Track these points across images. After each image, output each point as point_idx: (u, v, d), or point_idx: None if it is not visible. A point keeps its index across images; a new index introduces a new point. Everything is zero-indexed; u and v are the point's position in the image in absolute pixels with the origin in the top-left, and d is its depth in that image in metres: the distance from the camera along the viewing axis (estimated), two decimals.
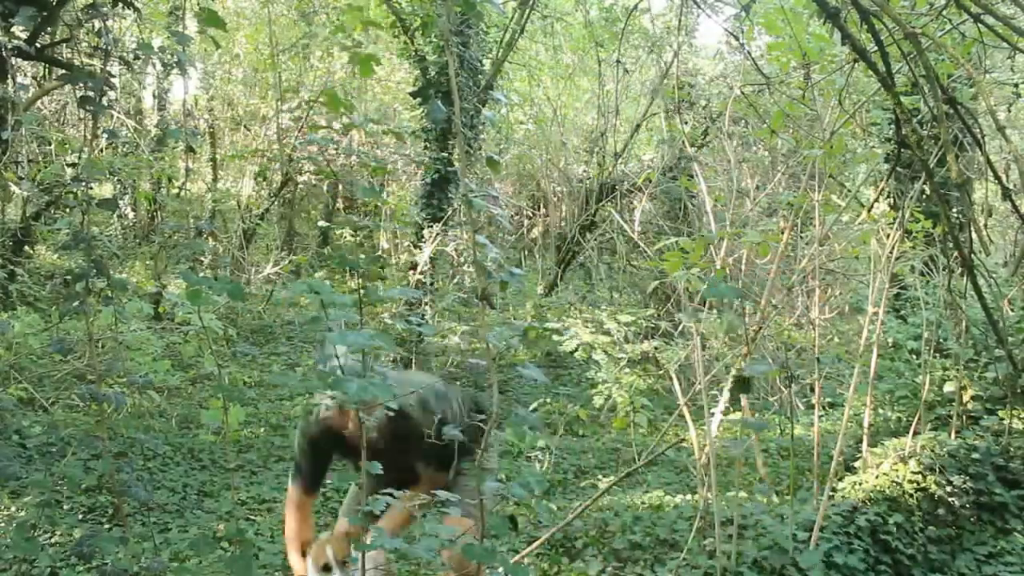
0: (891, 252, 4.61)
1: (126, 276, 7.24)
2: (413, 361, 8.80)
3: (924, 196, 6.39)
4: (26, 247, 9.30)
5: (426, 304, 9.05)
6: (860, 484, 4.73)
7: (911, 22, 2.54)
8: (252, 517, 5.32)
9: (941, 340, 5.91)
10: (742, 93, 5.11)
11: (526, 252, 15.37)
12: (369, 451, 1.73)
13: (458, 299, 10.85)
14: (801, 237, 5.45)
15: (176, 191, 13.17)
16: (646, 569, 3.79)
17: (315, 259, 14.30)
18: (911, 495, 4.60)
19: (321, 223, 15.33)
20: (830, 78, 4.07)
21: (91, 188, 2.07)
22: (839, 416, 6.22)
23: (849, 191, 6.50)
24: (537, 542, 3.54)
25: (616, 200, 11.83)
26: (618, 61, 6.30)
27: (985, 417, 5.58)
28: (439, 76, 8.82)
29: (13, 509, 4.76)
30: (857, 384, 4.68)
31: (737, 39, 5.33)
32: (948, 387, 5.72)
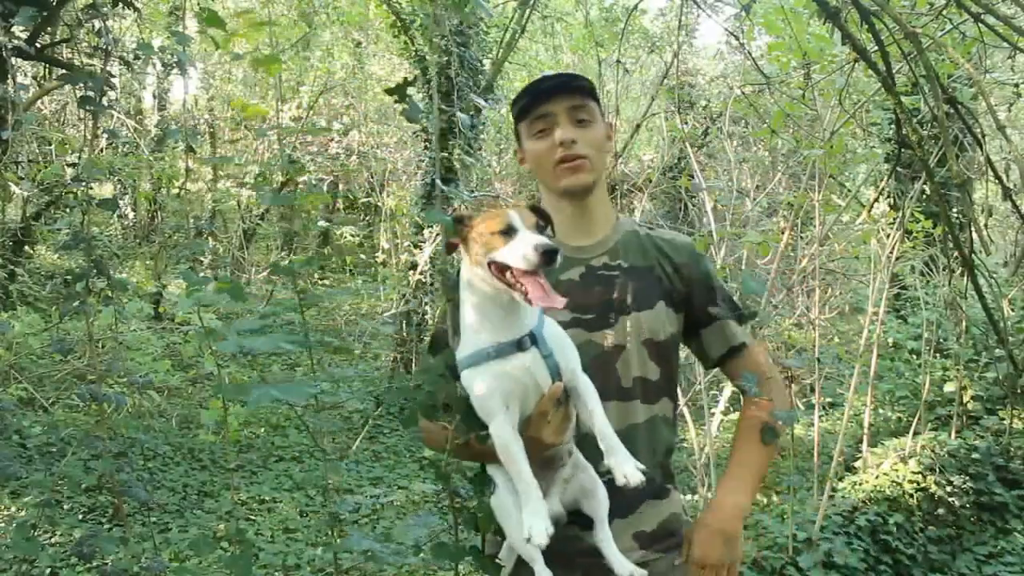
0: (891, 252, 4.61)
1: (126, 276, 7.24)
2: (413, 361, 8.80)
3: (924, 196, 6.38)
4: (26, 247, 9.30)
5: (426, 304, 9.05)
6: (860, 484, 4.72)
7: (911, 22, 2.54)
8: (252, 517, 5.32)
9: (941, 340, 5.90)
10: (742, 93, 5.11)
11: None
12: None
13: None
14: (801, 237, 5.45)
15: (176, 191, 13.17)
16: None
17: (315, 259, 14.26)
18: (911, 495, 4.60)
19: (321, 223, 15.32)
20: (830, 78, 4.07)
21: (91, 188, 2.06)
22: (839, 416, 6.21)
23: (849, 191, 6.50)
24: None
25: (616, 200, 11.83)
26: (618, 61, 6.30)
27: (985, 417, 5.58)
28: (439, 76, 8.81)
29: (13, 509, 4.76)
30: (857, 384, 4.68)
31: (737, 39, 5.33)
32: (948, 387, 5.72)
